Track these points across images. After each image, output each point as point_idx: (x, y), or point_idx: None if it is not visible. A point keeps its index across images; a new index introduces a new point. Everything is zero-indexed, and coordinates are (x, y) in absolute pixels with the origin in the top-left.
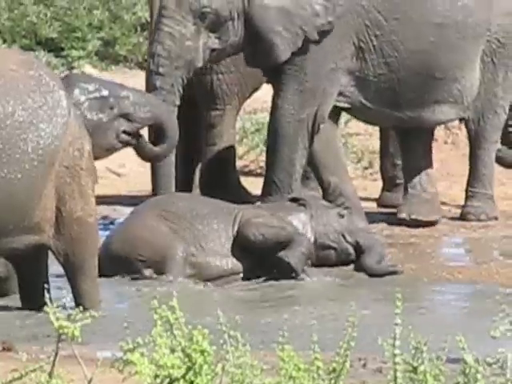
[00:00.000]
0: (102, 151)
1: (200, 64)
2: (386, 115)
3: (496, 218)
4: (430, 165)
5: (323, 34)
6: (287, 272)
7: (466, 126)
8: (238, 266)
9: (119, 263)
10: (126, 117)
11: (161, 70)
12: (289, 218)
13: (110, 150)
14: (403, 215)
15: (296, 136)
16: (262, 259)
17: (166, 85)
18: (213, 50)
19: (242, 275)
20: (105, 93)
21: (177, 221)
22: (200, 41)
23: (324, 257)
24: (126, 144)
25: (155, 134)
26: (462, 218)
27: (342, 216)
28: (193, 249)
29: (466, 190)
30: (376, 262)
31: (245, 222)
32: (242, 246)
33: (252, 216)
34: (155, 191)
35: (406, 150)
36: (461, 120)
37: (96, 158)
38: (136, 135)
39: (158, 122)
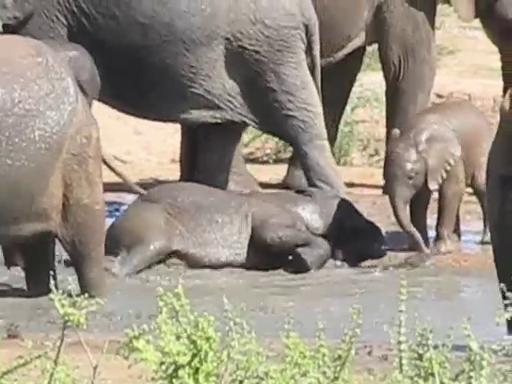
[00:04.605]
0: None
1: None
2: (121, 107)
3: None
4: None
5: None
6: (302, 270)
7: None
8: (240, 258)
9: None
10: None
11: None
12: (296, 209)
13: None
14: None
15: None
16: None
17: None
18: (14, 17)
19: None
20: None
21: (178, 213)
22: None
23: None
24: None
25: None
26: None
27: (340, 203)
28: (191, 241)
29: None
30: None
31: (260, 223)
32: (258, 247)
33: (264, 215)
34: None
35: None
36: (235, 123)
37: None
38: None
39: None
